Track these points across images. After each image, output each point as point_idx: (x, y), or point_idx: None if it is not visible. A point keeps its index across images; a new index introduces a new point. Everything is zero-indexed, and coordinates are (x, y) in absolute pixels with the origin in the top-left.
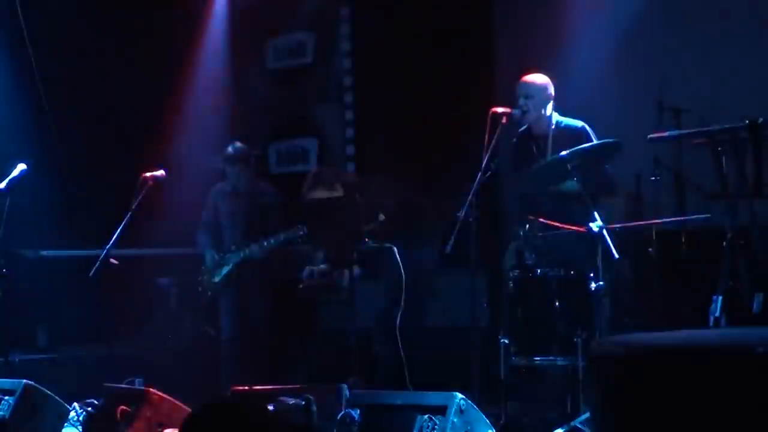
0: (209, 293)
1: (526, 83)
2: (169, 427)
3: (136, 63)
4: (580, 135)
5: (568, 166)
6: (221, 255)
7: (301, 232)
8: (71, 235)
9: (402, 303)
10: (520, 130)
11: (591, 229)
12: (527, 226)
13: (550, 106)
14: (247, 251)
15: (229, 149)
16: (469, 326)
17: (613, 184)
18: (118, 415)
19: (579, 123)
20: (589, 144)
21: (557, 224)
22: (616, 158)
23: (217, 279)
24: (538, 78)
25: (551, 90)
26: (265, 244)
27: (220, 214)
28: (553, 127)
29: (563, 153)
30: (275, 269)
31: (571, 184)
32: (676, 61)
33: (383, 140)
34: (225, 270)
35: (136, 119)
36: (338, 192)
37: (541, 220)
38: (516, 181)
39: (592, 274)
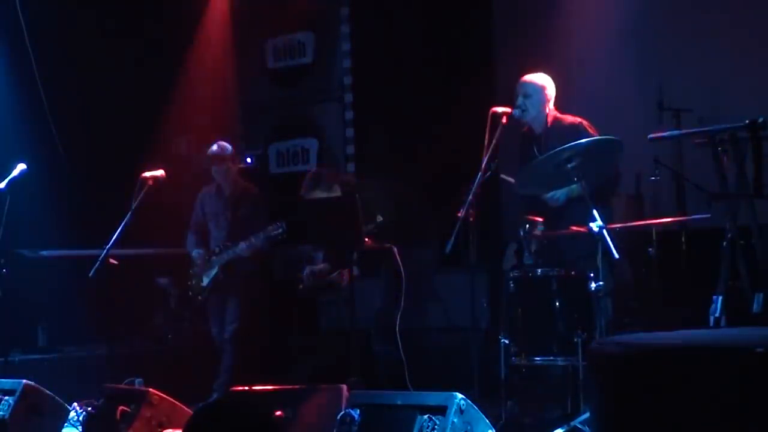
0: (200, 297)
1: (525, 82)
2: (169, 427)
3: (136, 63)
4: (576, 130)
5: (568, 167)
6: (207, 258)
7: (280, 229)
8: (71, 235)
9: (402, 303)
10: (522, 130)
11: (591, 229)
12: (527, 226)
13: (549, 105)
14: (231, 252)
15: (214, 147)
16: (469, 326)
17: (618, 180)
18: (118, 415)
19: (577, 119)
20: (586, 140)
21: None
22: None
23: (205, 283)
24: (537, 77)
25: (551, 89)
26: (251, 242)
27: (206, 215)
28: (550, 125)
29: (558, 148)
30: (263, 271)
31: (575, 188)
32: (676, 61)
33: (383, 140)
34: (212, 273)
35: (136, 119)
36: (337, 192)
37: (540, 219)
38: (518, 181)
39: (592, 274)
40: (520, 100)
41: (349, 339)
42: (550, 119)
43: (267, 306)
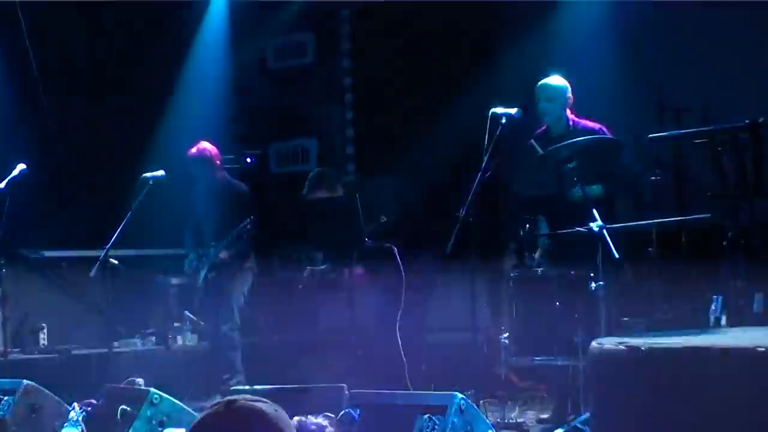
0: (200, 296)
1: (547, 86)
2: (169, 427)
3: (137, 63)
4: (596, 134)
5: (568, 167)
6: (200, 256)
7: (248, 226)
8: (71, 235)
9: (402, 303)
10: (537, 132)
11: (591, 229)
12: (527, 226)
13: (569, 107)
14: (215, 252)
15: (193, 150)
16: (469, 326)
17: (635, 174)
18: (118, 415)
19: (596, 124)
20: (584, 138)
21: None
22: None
23: (200, 283)
24: (557, 80)
25: (570, 92)
26: (224, 242)
27: (198, 213)
28: (571, 127)
29: (556, 146)
30: (258, 270)
31: (576, 191)
32: (676, 61)
33: (383, 140)
34: (203, 273)
35: (136, 119)
36: (338, 192)
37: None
38: (518, 182)
39: (592, 274)
40: (542, 104)
41: (349, 339)
42: (570, 122)
43: (266, 305)
